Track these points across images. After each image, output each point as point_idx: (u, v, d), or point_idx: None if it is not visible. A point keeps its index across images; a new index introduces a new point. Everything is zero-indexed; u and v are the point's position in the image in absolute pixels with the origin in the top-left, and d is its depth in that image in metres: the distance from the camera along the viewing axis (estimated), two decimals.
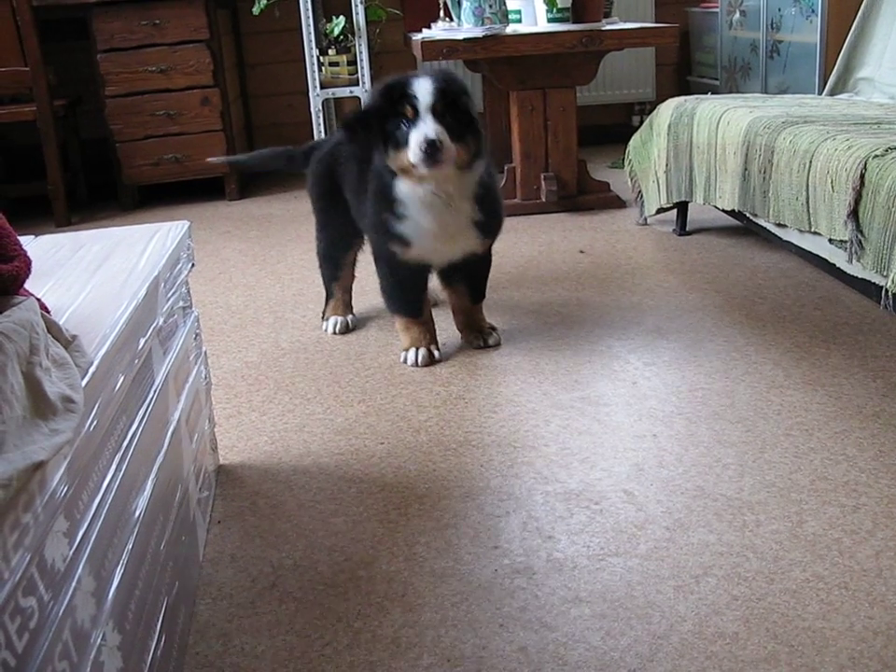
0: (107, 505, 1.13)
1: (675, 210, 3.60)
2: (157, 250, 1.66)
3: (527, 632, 1.45)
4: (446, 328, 2.70)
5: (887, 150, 2.17)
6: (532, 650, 1.42)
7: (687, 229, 3.61)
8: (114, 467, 1.19)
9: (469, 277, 2.59)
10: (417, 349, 2.53)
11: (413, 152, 2.23)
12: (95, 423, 1.11)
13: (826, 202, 2.34)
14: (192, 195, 4.81)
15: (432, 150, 2.21)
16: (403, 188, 2.35)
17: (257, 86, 5.39)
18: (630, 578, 1.57)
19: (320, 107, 4.48)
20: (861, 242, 2.19)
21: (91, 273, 1.54)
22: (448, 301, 2.69)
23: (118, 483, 1.19)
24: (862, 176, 2.17)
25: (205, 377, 1.96)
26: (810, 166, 2.42)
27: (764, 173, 2.71)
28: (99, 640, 1.03)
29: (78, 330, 1.19)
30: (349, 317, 2.83)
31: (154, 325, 1.51)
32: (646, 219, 3.76)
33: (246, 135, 5.31)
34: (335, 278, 2.82)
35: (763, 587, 1.52)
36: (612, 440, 2.05)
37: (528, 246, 3.54)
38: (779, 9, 4.24)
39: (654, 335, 2.61)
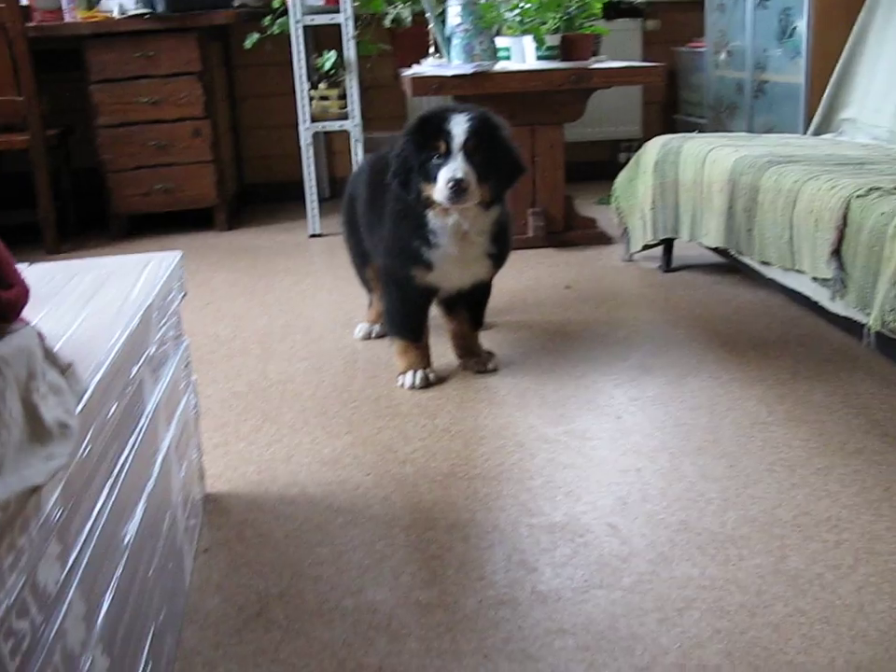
0: (99, 530, 1.14)
1: (661, 247, 3.63)
2: (150, 280, 1.67)
3: (511, 663, 1.46)
4: (435, 358, 2.71)
5: (869, 191, 2.21)
6: None
7: (672, 265, 3.65)
8: (105, 492, 1.21)
9: (471, 304, 2.70)
10: (415, 372, 2.59)
11: (439, 190, 2.33)
12: (89, 448, 1.13)
13: (809, 240, 2.37)
14: (182, 225, 4.82)
15: (457, 189, 2.31)
16: (432, 216, 2.44)
17: (247, 118, 5.42)
18: (614, 610, 1.58)
19: (310, 140, 4.51)
20: (843, 280, 2.22)
21: (84, 301, 1.55)
22: (448, 327, 2.76)
23: (109, 508, 1.20)
24: (845, 216, 2.20)
25: (194, 406, 1.98)
26: (794, 205, 2.46)
27: (749, 211, 2.74)
28: (88, 664, 1.04)
29: (72, 358, 1.20)
30: (375, 327, 2.99)
31: (146, 353, 1.52)
32: (632, 256, 3.80)
33: (236, 167, 5.34)
34: (368, 289, 2.97)
35: (746, 621, 1.54)
36: (597, 474, 2.06)
37: (515, 281, 3.56)
38: (765, 50, 4.30)
39: (639, 370, 2.63)
